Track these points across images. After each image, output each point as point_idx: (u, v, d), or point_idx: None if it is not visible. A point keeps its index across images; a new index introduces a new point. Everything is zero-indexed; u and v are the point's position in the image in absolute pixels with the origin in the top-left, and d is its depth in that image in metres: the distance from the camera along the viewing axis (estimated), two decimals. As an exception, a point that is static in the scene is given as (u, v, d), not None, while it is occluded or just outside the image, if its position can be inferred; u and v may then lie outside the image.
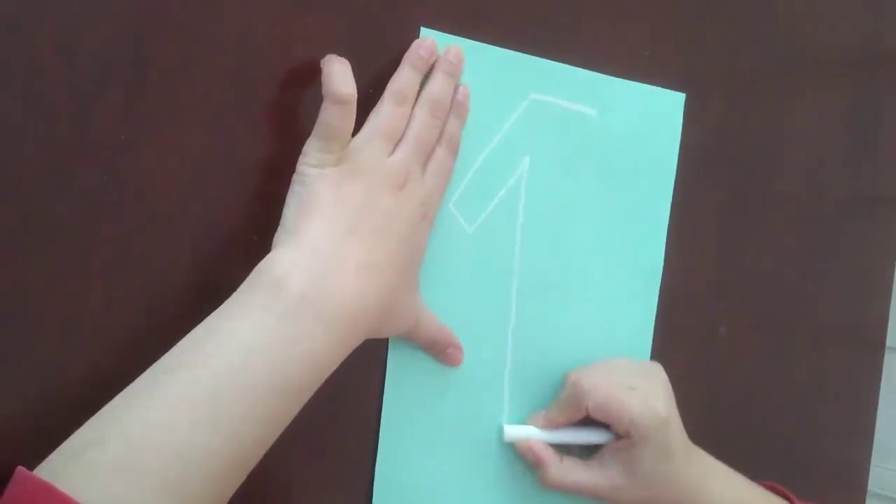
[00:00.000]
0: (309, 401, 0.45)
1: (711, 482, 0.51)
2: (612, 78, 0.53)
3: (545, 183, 0.52)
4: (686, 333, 0.59)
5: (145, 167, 0.40)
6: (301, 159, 0.41)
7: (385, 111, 0.43)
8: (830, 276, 0.67)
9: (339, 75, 0.41)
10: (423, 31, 0.46)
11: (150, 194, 0.40)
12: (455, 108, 0.47)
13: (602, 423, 0.49)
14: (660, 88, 0.55)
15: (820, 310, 0.67)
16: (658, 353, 0.57)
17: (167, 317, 0.41)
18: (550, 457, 0.50)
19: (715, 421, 0.61)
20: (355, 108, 0.41)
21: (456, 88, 0.47)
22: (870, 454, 0.71)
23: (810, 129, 0.65)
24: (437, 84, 0.46)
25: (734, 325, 0.62)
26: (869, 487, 0.71)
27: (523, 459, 0.51)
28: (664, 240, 0.57)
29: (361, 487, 0.47)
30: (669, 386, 0.51)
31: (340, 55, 0.43)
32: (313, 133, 0.41)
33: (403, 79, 0.45)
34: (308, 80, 0.44)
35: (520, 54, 0.50)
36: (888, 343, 0.71)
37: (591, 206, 0.54)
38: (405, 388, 0.48)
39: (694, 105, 0.57)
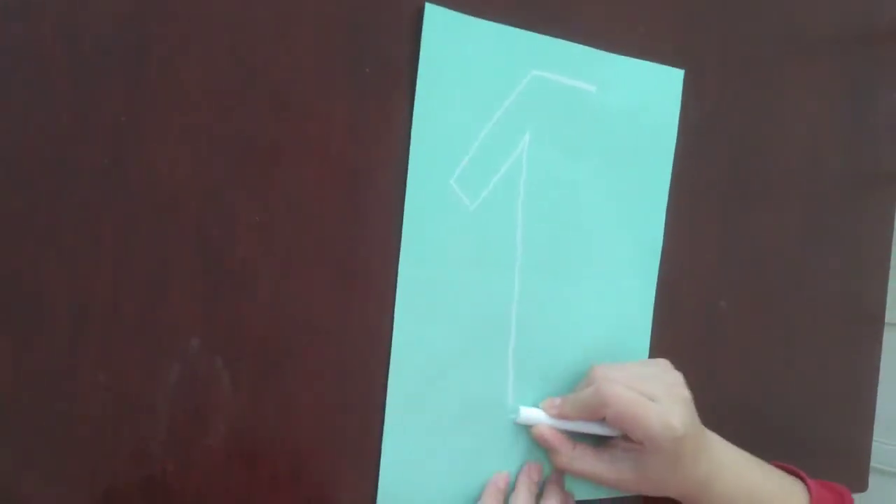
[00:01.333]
0: (316, 386, 0.45)
1: (721, 476, 0.51)
2: (612, 54, 0.54)
3: (546, 159, 0.52)
4: (686, 308, 0.60)
5: (148, 151, 0.40)
6: None
7: None
8: (828, 251, 0.67)
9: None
10: (428, 7, 0.46)
11: (153, 177, 0.41)
12: None
13: None
14: (659, 65, 0.56)
15: (818, 285, 0.67)
16: (658, 328, 0.57)
17: (174, 299, 0.41)
18: (564, 444, 0.51)
19: (715, 396, 0.61)
20: None
21: None
22: (871, 430, 0.72)
23: (808, 106, 0.65)
24: None
25: (734, 300, 0.62)
26: (871, 463, 0.72)
27: (536, 442, 0.52)
28: (664, 214, 0.57)
29: (368, 469, 0.47)
30: (692, 402, 0.50)
31: (343, 34, 0.42)
32: None
33: None
34: (307, 60, 0.44)
35: (521, 31, 0.50)
36: (887, 319, 0.71)
37: (591, 182, 0.54)
38: (410, 369, 0.48)
39: (692, 82, 0.57)
